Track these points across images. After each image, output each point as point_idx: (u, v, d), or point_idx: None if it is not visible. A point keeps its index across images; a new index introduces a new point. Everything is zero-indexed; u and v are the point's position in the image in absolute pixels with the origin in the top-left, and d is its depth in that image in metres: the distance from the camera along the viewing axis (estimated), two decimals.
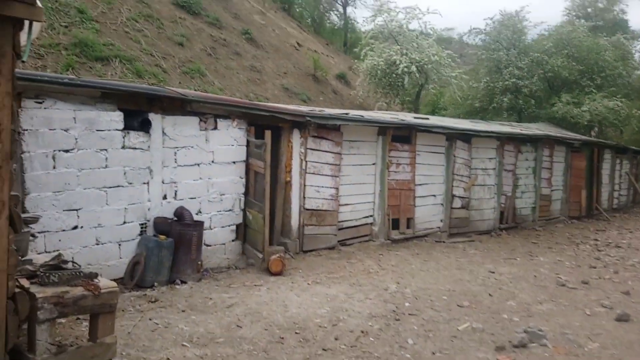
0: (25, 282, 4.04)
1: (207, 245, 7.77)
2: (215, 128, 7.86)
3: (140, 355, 4.67)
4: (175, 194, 7.49)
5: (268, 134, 7.90)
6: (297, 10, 30.23)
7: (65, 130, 6.22)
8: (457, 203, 12.36)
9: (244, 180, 8.27)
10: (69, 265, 4.36)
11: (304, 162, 9.12)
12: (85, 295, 4.13)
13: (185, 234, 7.12)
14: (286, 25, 24.72)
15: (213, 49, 17.27)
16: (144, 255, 6.85)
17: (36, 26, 3.97)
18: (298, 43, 23.09)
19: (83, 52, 11.53)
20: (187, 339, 5.09)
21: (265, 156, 7.81)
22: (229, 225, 8.16)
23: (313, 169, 9.26)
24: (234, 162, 8.14)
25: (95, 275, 4.40)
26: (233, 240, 8.22)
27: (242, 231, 8.33)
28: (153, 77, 13.68)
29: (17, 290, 3.80)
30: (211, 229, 7.87)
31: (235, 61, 17.74)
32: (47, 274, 4.11)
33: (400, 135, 11.08)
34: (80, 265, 4.37)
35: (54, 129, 6.13)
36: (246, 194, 8.30)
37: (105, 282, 4.34)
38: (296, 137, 8.98)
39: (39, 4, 3.61)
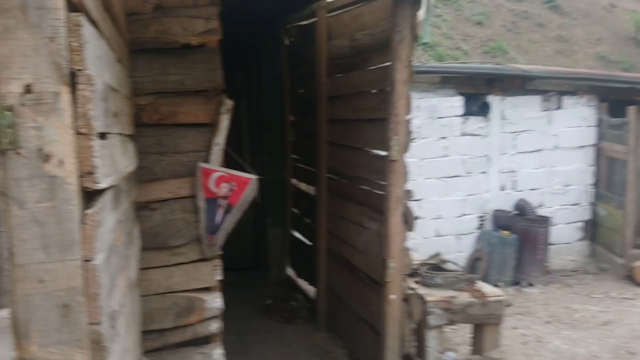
0: (411, 283, 3.76)
1: (550, 244, 6.71)
2: (559, 107, 6.71)
3: None
4: (514, 185, 6.66)
5: (632, 109, 6.35)
6: None
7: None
8: None
9: (593, 168, 6.91)
10: (448, 265, 3.96)
11: None
12: (473, 302, 3.64)
13: (530, 231, 6.24)
14: None
15: (513, 23, 15.74)
16: (486, 252, 6.25)
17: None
18: (611, 4, 19.57)
19: None
20: None
21: (629, 138, 6.30)
22: (574, 222, 6.93)
23: None
24: (580, 147, 6.85)
25: (475, 279, 3.89)
26: (579, 240, 6.96)
27: (590, 230, 7.00)
28: (454, 60, 13.16)
29: (410, 292, 3.52)
30: (554, 225, 6.77)
31: (539, 33, 15.84)
32: (431, 275, 3.76)
33: None
34: (462, 267, 3.92)
35: None
36: (596, 185, 6.92)
37: (489, 289, 3.79)
38: None
39: None
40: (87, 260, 1.21)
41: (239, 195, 2.83)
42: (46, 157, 1.14)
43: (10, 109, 1.12)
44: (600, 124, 6.81)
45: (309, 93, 4.80)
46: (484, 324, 3.70)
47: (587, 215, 6.96)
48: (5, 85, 1.12)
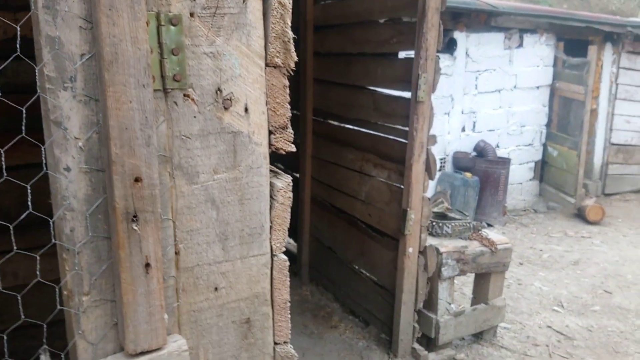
0: None
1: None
2: (520, 45, 6.61)
3: (514, 319, 3.98)
4: (474, 126, 6.57)
5: (593, 49, 6.40)
6: None
7: None
8: None
9: (546, 108, 6.99)
10: (454, 214, 3.74)
11: (614, 85, 7.43)
12: (483, 251, 3.47)
13: (492, 172, 6.23)
14: None
15: None
16: (448, 194, 6.18)
17: None
18: None
19: None
20: (553, 302, 4.27)
21: (587, 79, 6.38)
22: (527, 162, 7.06)
23: (625, 93, 7.52)
24: (537, 87, 6.87)
25: (481, 227, 3.72)
26: (530, 180, 7.13)
27: (539, 169, 7.18)
28: None
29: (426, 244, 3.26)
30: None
31: None
32: (440, 225, 3.52)
33: None
34: (467, 215, 3.72)
35: None
36: (548, 125, 7.04)
37: (497, 237, 3.63)
38: (608, 54, 7.28)
39: None
40: (274, 255, 0.75)
41: None
42: (226, 102, 0.65)
43: (175, 21, 0.60)
44: (556, 63, 6.83)
45: None
46: (490, 273, 3.58)
47: (538, 155, 7.11)
48: None
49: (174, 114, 0.67)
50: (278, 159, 4.73)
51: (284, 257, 0.82)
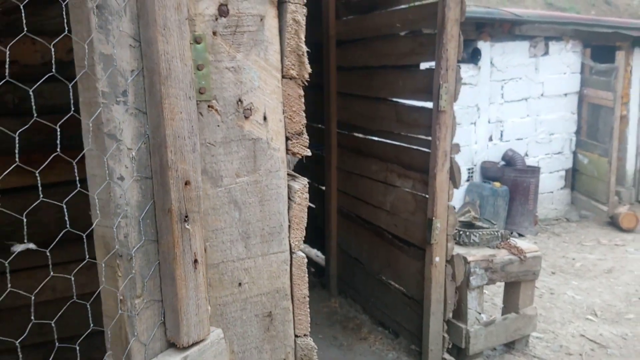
0: None
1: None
2: (546, 53, 6.56)
3: (547, 328, 3.92)
4: (501, 135, 6.53)
5: (621, 54, 6.31)
6: None
7: None
8: None
9: (575, 116, 6.90)
10: (481, 223, 3.73)
11: None
12: (512, 260, 3.45)
13: (521, 181, 6.17)
14: None
15: None
16: (477, 204, 6.13)
17: None
18: None
19: None
20: (587, 310, 4.18)
21: (615, 84, 6.28)
22: (557, 171, 6.96)
23: None
24: (565, 95, 6.79)
25: (509, 235, 3.70)
26: (561, 188, 7.02)
27: (571, 178, 7.06)
28: None
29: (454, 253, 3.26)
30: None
31: None
32: (468, 234, 3.52)
33: None
34: (494, 223, 3.70)
35: None
36: (578, 132, 6.93)
37: (525, 245, 3.60)
38: (637, 59, 7.15)
39: None
40: (292, 252, 0.81)
41: None
42: (246, 112, 0.72)
43: (200, 40, 0.68)
44: (583, 70, 6.75)
45: (311, 37, 4.30)
46: (520, 281, 3.54)
47: (569, 163, 6.99)
48: (193, 4, 0.67)
49: (200, 124, 0.74)
50: (304, 173, 4.80)
51: (302, 254, 0.88)
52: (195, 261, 0.79)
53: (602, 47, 6.78)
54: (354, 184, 3.96)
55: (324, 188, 4.34)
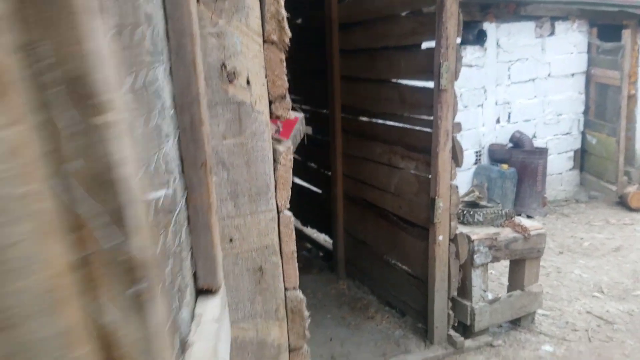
0: None
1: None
2: (552, 33, 6.51)
3: (553, 305, 3.95)
4: (509, 117, 6.51)
5: (627, 33, 6.24)
6: None
7: None
8: None
9: (583, 96, 6.85)
10: (484, 202, 3.75)
11: None
12: (516, 238, 3.48)
13: (529, 163, 6.16)
14: None
15: None
16: (485, 186, 6.13)
17: None
18: None
19: None
20: (594, 288, 4.20)
21: (623, 63, 6.22)
22: (565, 152, 6.92)
23: None
24: (572, 75, 6.74)
25: (514, 214, 3.72)
26: (570, 169, 6.99)
27: (580, 158, 7.03)
28: None
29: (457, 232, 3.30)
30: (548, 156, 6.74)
31: None
32: (472, 213, 3.55)
33: None
34: (498, 202, 3.73)
35: None
36: (585, 113, 6.89)
37: (529, 223, 3.63)
38: None
39: None
40: (280, 212, 0.86)
41: (286, 137, 2.45)
42: (230, 76, 0.77)
43: None
44: (590, 49, 6.69)
45: (313, 22, 4.33)
46: (525, 259, 3.57)
47: (577, 144, 6.96)
48: None
49: None
50: (310, 158, 4.85)
51: (289, 213, 0.93)
52: (215, 212, 0.85)
53: (608, 26, 6.70)
54: (359, 168, 4.00)
55: (329, 173, 4.38)
